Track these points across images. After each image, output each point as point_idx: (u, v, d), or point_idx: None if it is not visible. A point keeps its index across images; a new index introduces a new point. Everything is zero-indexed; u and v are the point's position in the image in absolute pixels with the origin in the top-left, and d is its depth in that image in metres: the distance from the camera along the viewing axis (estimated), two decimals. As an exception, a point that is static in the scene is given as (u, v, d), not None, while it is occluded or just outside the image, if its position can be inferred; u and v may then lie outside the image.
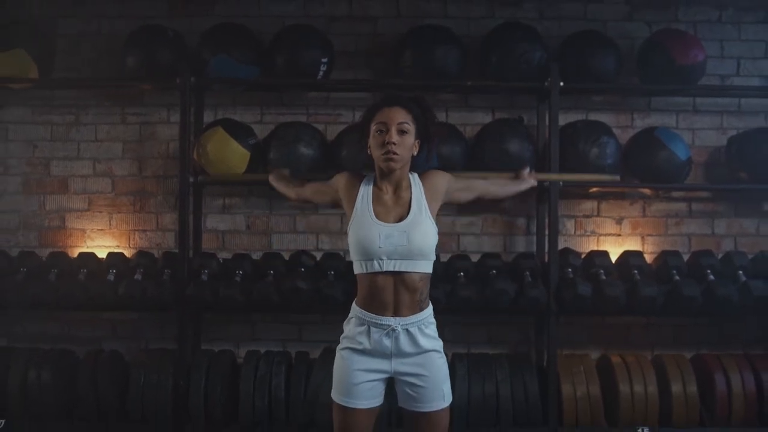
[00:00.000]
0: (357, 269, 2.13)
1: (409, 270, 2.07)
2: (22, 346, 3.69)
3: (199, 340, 3.79)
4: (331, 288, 3.42)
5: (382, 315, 2.09)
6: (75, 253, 3.77)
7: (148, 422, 3.46)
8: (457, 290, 3.43)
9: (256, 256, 3.72)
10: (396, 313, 2.09)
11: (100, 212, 3.93)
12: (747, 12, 3.93)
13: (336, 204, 2.27)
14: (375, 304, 2.09)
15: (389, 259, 2.06)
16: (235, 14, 3.88)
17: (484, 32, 3.78)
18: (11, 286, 3.51)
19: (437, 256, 3.58)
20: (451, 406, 3.19)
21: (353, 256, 2.14)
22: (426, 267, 2.12)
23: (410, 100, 2.19)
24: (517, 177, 2.52)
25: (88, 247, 3.85)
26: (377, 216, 2.12)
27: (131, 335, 3.87)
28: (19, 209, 3.93)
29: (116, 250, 3.77)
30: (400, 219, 2.12)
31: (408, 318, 2.09)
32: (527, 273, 3.52)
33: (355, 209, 2.14)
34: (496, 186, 2.52)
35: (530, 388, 3.48)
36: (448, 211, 3.84)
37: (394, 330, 2.08)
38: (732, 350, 3.70)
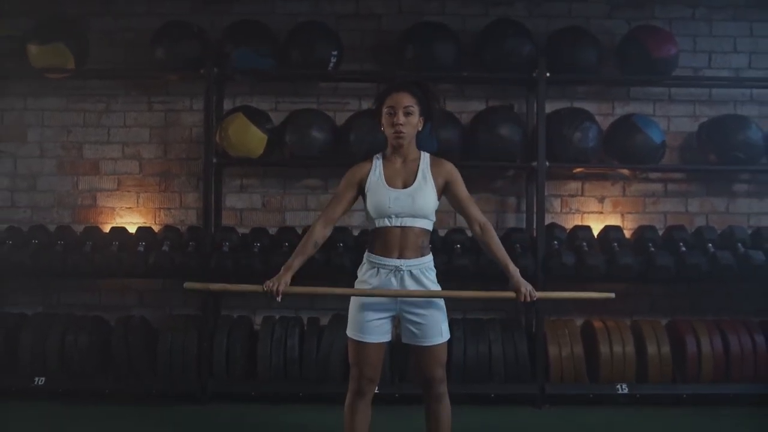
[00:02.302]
0: (372, 226, 2.53)
1: (412, 225, 2.48)
2: (59, 313, 4.06)
3: (219, 307, 4.15)
4: (341, 258, 3.79)
5: (390, 257, 2.47)
6: (106, 228, 4.14)
7: (175, 379, 3.82)
8: (454, 260, 3.81)
9: (272, 231, 4.08)
10: (401, 255, 2.47)
11: (129, 192, 4.31)
12: (717, 10, 4.33)
13: (357, 194, 2.58)
14: (384, 248, 2.48)
15: (397, 217, 2.47)
16: (251, 12, 4.24)
17: (478, 28, 4.16)
18: (51, 257, 3.87)
19: (435, 230, 3.98)
20: (449, 363, 3.61)
21: (371, 216, 2.52)
22: (426, 224, 2.52)
23: (414, 85, 2.58)
24: (515, 291, 2.48)
25: (117, 224, 4.21)
26: (388, 182, 2.50)
27: (157, 303, 4.25)
28: (55, 189, 4.31)
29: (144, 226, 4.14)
30: (407, 185, 2.51)
31: (411, 260, 2.47)
32: (517, 245, 3.89)
33: (370, 181, 2.52)
34: (485, 233, 2.56)
35: (520, 348, 3.85)
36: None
37: (399, 270, 2.46)
38: (703, 318, 4.07)
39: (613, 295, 2.72)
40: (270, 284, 2.44)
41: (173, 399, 3.81)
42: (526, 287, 2.49)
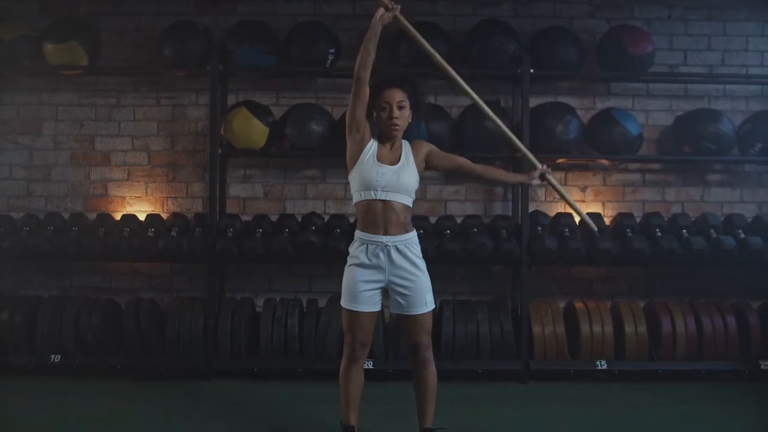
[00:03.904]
0: (357, 198, 2.77)
1: (394, 200, 2.72)
2: (74, 296, 4.31)
3: (224, 290, 4.40)
4: (338, 242, 4.03)
5: (376, 234, 2.73)
6: (117, 216, 4.38)
7: (183, 356, 4.06)
8: (444, 244, 4.05)
9: (273, 218, 4.31)
10: (386, 232, 2.72)
11: (138, 182, 4.56)
12: (692, 11, 4.58)
13: (356, 123, 2.75)
14: (370, 224, 2.73)
15: (383, 190, 2.72)
16: (254, 12, 4.50)
17: (467, 28, 4.40)
18: (67, 241, 4.12)
19: (427, 218, 4.23)
20: (439, 340, 3.87)
21: (356, 189, 2.77)
22: (407, 200, 2.76)
23: (405, 81, 2.84)
24: (530, 177, 3.04)
25: (127, 212, 4.45)
26: (378, 160, 2.76)
27: (164, 287, 4.50)
28: (68, 179, 4.56)
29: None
30: (393, 164, 2.77)
31: (396, 236, 2.73)
32: (503, 231, 4.15)
33: (363, 155, 2.77)
34: (484, 169, 3.00)
35: (506, 328, 4.09)
36: (436, 181, 4.47)
37: (386, 246, 2.72)
38: (678, 300, 4.30)
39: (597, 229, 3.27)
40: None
41: (181, 375, 4.03)
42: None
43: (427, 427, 2.81)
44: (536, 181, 3.05)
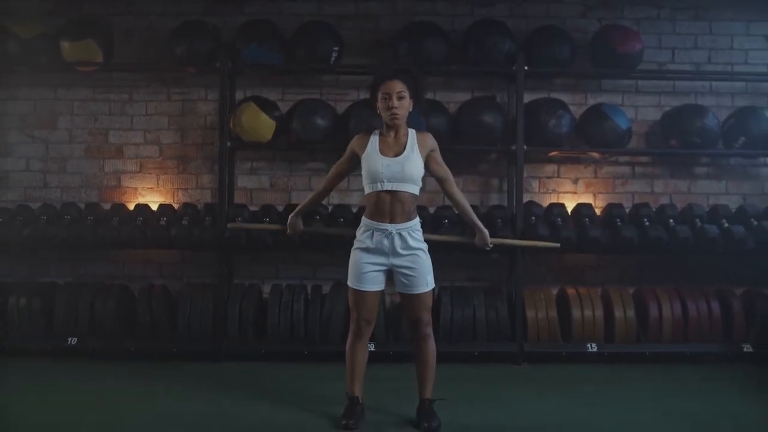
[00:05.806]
0: (367, 190, 2.97)
1: (401, 190, 2.92)
2: (89, 282, 4.50)
3: (232, 277, 4.58)
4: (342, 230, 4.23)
5: (382, 222, 2.92)
6: (131, 206, 4.57)
7: (193, 340, 4.25)
8: (442, 233, 4.24)
9: (279, 209, 4.48)
10: (392, 221, 2.92)
11: (150, 173, 4.75)
12: (680, 11, 4.78)
13: (358, 159, 3.06)
14: (377, 213, 2.93)
15: (389, 181, 2.91)
16: (259, 12, 4.68)
17: (464, 27, 4.59)
18: (83, 230, 4.31)
19: (426, 208, 4.43)
20: (438, 324, 4.06)
21: (365, 181, 2.97)
22: (413, 189, 2.95)
23: (404, 73, 3.03)
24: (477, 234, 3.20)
25: (140, 202, 4.65)
26: (382, 152, 2.95)
27: (175, 274, 4.69)
28: (83, 171, 4.75)
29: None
30: (398, 155, 2.96)
31: (400, 224, 2.93)
32: (499, 220, 4.33)
33: (367, 150, 2.98)
34: (459, 195, 3.15)
35: (501, 312, 4.28)
36: (435, 173, 4.65)
37: (390, 233, 2.92)
38: (665, 286, 4.50)
39: (558, 245, 3.51)
40: (290, 232, 3.30)
41: (192, 358, 4.20)
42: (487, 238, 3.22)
43: (426, 398, 3.02)
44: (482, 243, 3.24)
